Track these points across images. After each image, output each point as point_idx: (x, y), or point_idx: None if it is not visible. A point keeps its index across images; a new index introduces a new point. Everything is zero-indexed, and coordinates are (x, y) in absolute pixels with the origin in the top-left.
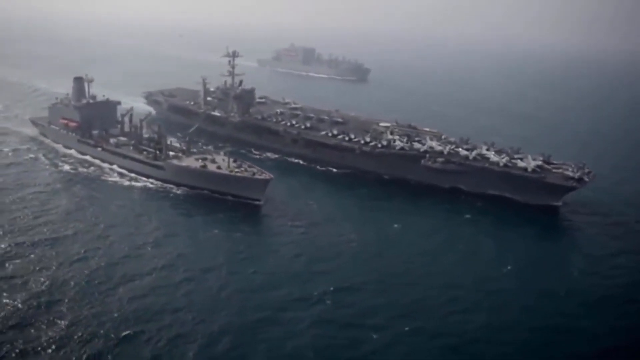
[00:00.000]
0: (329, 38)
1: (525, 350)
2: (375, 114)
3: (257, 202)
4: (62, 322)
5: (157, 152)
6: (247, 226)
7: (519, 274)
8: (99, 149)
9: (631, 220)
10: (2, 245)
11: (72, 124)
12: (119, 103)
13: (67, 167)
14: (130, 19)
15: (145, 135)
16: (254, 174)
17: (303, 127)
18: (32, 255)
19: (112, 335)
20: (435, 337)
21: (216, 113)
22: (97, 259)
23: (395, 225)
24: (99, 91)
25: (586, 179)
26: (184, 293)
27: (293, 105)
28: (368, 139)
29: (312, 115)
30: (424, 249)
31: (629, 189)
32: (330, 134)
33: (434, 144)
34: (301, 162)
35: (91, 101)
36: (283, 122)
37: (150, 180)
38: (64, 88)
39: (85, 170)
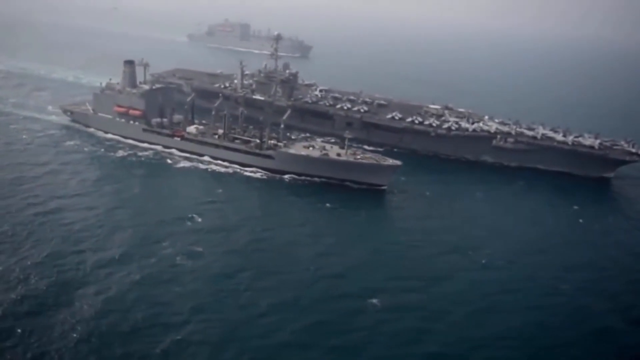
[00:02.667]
0: (263, 13)
1: None
2: (396, 95)
3: (381, 188)
4: (283, 295)
5: (261, 141)
6: (380, 206)
7: (594, 225)
8: (177, 138)
9: None
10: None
11: (135, 112)
12: (174, 88)
13: (145, 158)
14: None
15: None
16: (378, 160)
17: (362, 110)
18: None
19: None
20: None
21: (258, 97)
22: (263, 241)
23: (478, 193)
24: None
25: None
26: (368, 260)
27: (321, 88)
28: (438, 122)
29: (353, 97)
30: (514, 211)
31: None
32: (397, 118)
33: (496, 125)
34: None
35: (154, 87)
36: (339, 106)
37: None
38: None
39: (166, 160)
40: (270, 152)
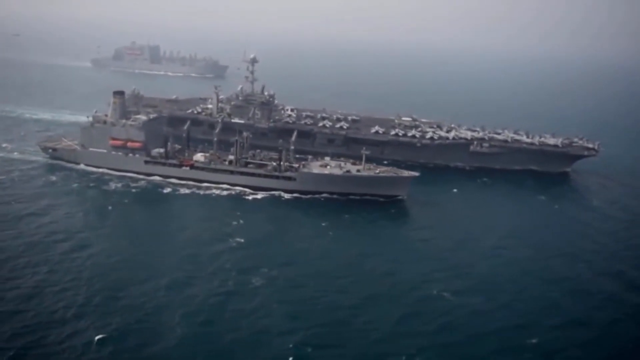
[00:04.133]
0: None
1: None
2: (362, 110)
3: (400, 198)
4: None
5: (278, 164)
6: (407, 215)
7: (567, 212)
8: (186, 168)
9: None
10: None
11: (134, 144)
12: (165, 118)
13: (141, 189)
14: None
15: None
16: (396, 172)
17: (345, 127)
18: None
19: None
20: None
21: (237, 120)
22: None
23: (455, 190)
24: None
25: (601, 149)
26: (405, 257)
27: (291, 107)
28: (419, 133)
29: (325, 115)
30: (496, 206)
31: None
32: (380, 132)
33: (468, 132)
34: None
35: (151, 117)
36: (321, 124)
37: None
38: None
39: (164, 189)
40: (290, 173)
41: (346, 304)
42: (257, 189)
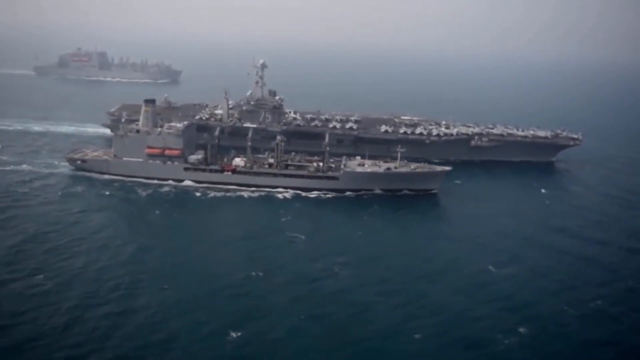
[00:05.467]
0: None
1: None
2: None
3: (434, 192)
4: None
5: (323, 164)
6: (437, 205)
7: (558, 195)
8: (228, 173)
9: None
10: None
11: (172, 152)
12: (195, 125)
13: (173, 195)
14: None
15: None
16: (430, 168)
17: (354, 127)
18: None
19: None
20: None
21: (249, 124)
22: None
23: (458, 182)
24: None
25: (583, 139)
26: (448, 244)
27: (293, 110)
28: (426, 131)
29: (328, 117)
30: (499, 194)
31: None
32: (389, 131)
33: (463, 128)
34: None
35: (185, 124)
36: (332, 126)
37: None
38: None
39: (194, 193)
40: (333, 173)
41: (418, 281)
42: (300, 189)
